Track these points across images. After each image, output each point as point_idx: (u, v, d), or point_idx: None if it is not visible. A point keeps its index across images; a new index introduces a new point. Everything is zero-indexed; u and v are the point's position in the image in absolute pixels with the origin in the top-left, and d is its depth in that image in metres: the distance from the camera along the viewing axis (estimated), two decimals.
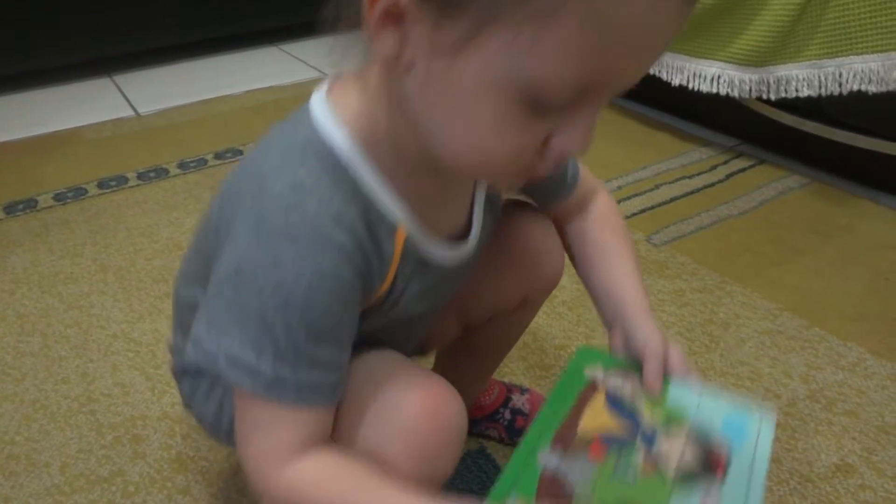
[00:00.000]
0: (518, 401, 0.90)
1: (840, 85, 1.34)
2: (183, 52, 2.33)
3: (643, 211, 1.38)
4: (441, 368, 0.88)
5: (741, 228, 1.33)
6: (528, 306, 0.76)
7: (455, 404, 0.54)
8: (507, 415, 0.89)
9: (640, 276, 0.69)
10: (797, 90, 1.40)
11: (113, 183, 1.54)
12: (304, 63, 2.26)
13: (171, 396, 0.98)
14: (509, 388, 0.92)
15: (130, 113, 1.95)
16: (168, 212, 1.42)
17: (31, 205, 1.47)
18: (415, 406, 0.52)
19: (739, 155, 1.59)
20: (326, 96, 0.52)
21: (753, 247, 1.27)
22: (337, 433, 0.54)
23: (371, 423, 0.53)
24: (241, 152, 1.65)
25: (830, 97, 1.35)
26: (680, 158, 1.59)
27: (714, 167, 1.54)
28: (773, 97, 1.42)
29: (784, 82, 1.41)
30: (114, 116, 1.92)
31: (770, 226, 1.33)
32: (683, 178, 1.50)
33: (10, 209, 1.46)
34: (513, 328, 0.81)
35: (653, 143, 1.65)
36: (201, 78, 2.19)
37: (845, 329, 1.08)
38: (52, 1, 2.10)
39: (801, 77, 1.38)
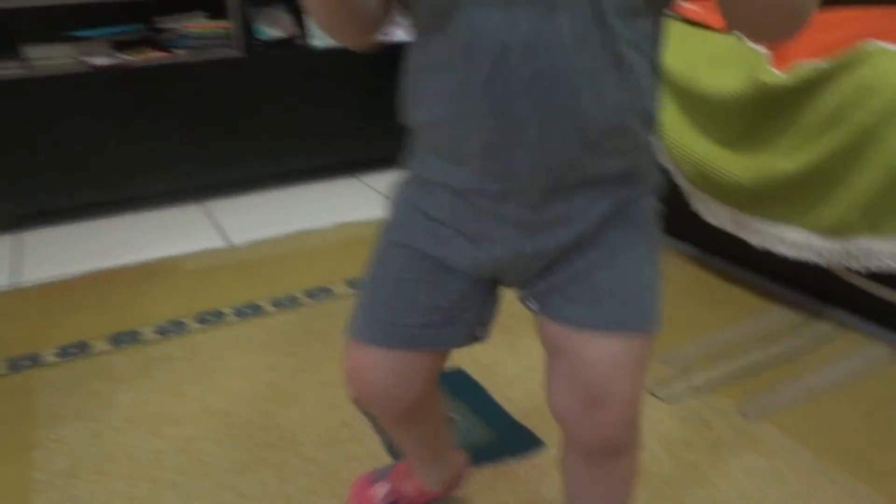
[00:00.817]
0: None
1: None
2: (270, 180, 2.47)
3: (731, 378, 1.39)
4: None
5: (833, 402, 1.33)
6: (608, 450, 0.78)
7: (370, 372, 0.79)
8: None
9: None
10: (882, 263, 1.42)
11: (211, 318, 1.62)
12: (384, 196, 2.36)
13: None
14: None
15: (223, 243, 2.06)
16: (266, 354, 1.48)
17: (134, 337, 1.55)
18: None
19: (821, 317, 1.60)
20: None
21: (848, 423, 1.27)
22: None
23: None
24: (330, 291, 1.73)
25: None
26: (761, 318, 1.61)
27: (797, 329, 1.56)
28: (857, 268, 1.45)
29: (869, 254, 1.43)
30: (207, 245, 2.03)
31: (863, 400, 1.33)
32: (768, 340, 1.52)
33: (116, 341, 1.54)
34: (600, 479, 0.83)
35: (733, 301, 1.68)
36: (289, 207, 2.31)
37: None
38: (149, 132, 2.26)
39: (886, 251, 1.41)
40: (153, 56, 2.28)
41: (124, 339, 1.55)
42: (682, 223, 1.80)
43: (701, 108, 1.66)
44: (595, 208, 0.69)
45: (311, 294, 1.72)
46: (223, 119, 2.35)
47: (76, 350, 1.51)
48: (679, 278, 1.79)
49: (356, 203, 2.33)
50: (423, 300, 0.75)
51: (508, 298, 0.80)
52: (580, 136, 0.63)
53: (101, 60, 2.22)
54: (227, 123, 2.35)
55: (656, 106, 0.70)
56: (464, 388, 1.35)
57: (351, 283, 1.76)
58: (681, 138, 1.70)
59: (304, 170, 2.52)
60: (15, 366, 1.46)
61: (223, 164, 2.38)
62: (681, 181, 1.75)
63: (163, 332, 1.57)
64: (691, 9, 1.76)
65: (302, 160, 2.50)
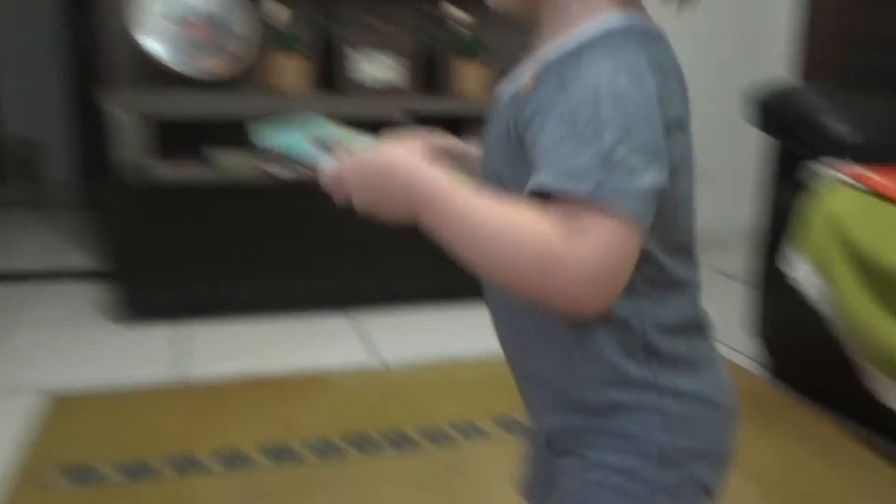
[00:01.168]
0: None
1: None
2: (421, 296, 2.52)
3: None
4: None
5: None
6: None
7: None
8: None
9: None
10: None
11: (362, 443, 1.62)
12: None
13: None
14: None
15: (370, 356, 2.09)
16: (421, 493, 1.45)
17: (289, 453, 1.57)
18: None
19: None
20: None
21: None
22: None
23: None
24: (480, 429, 1.70)
25: None
26: None
27: None
28: None
29: None
30: (354, 357, 2.07)
31: None
32: None
33: (272, 455, 1.56)
34: None
35: (880, 477, 1.54)
36: (437, 326, 2.35)
37: None
38: (308, 240, 2.36)
39: None
40: None
41: (280, 454, 1.56)
42: (854, 400, 1.70)
43: (892, 289, 1.58)
44: (547, 415, 0.70)
45: (458, 428, 1.70)
46: (378, 234, 2.43)
47: (233, 458, 1.53)
48: (848, 459, 1.66)
49: None
50: (531, 453, 0.82)
51: None
52: (501, 327, 0.73)
53: (275, 169, 2.36)
54: (382, 238, 2.43)
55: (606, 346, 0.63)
56: None
57: (499, 421, 1.73)
58: (865, 319, 1.62)
59: (454, 289, 2.56)
60: (176, 467, 1.49)
61: (375, 277, 2.46)
62: (860, 361, 1.65)
63: (316, 451, 1.58)
64: (880, 181, 1.70)
65: (452, 279, 2.54)
